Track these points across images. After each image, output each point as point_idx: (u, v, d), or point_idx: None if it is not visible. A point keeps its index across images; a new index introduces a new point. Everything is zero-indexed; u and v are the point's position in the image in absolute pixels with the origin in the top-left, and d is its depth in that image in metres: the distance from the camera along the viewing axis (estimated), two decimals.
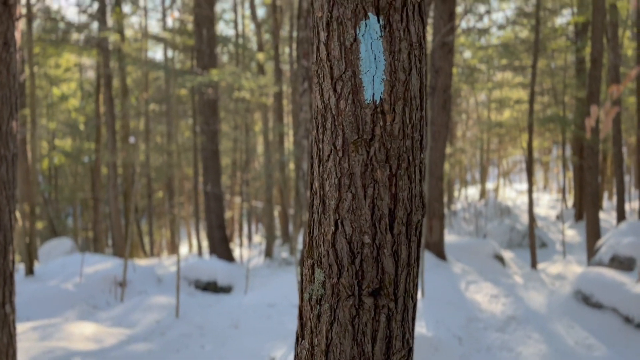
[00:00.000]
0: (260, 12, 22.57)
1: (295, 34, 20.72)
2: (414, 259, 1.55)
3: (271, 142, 18.04)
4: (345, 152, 1.46)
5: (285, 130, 18.82)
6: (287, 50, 21.52)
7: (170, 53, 21.65)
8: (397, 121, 1.45)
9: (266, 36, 20.17)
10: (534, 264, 12.42)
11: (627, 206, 21.24)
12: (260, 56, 16.91)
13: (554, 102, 21.26)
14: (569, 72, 20.86)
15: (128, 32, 22.44)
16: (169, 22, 22.72)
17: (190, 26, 17.95)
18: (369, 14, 1.41)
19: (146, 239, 25.75)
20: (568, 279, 11.00)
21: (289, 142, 21.69)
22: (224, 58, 23.23)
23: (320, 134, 1.51)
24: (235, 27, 19.93)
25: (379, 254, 1.48)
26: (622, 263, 7.20)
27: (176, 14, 10.26)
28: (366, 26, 1.42)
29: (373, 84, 1.43)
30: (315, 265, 1.55)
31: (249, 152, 19.62)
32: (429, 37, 12.80)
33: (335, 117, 1.46)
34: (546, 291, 7.85)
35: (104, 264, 10.66)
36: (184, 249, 25.42)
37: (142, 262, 15.25)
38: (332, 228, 1.50)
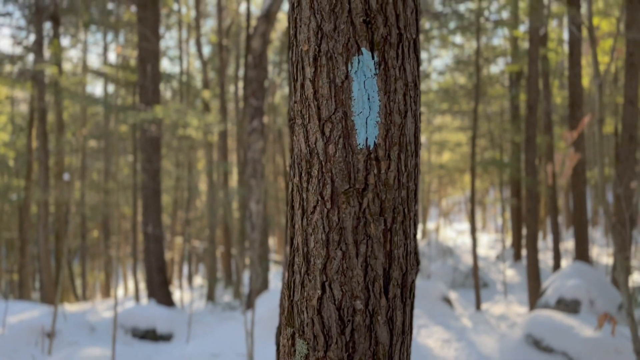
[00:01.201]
0: (206, 50, 22.44)
1: (241, 72, 20.68)
2: (408, 325, 1.37)
3: (215, 181, 17.63)
4: (335, 204, 1.28)
5: (229, 168, 18.48)
6: (232, 88, 21.40)
7: (110, 88, 21.03)
8: (393, 169, 1.29)
9: (211, 74, 20.00)
10: (478, 305, 12.51)
11: (560, 246, 22.05)
12: (206, 94, 16.68)
13: (491, 146, 22.07)
14: (504, 117, 21.83)
15: (66, 66, 21.67)
16: (111, 56, 22.18)
17: (133, 61, 17.53)
18: (363, 49, 1.26)
19: (78, 282, 24.28)
20: (512, 321, 11.10)
21: (232, 181, 21.30)
22: (167, 94, 22.81)
23: (305, 182, 1.32)
24: (180, 63, 19.66)
25: (372, 321, 1.28)
26: (567, 305, 7.30)
27: (120, 48, 9.92)
28: (359, 62, 1.26)
29: (366, 127, 1.27)
30: (297, 335, 1.33)
31: (191, 190, 19.07)
32: None
33: (323, 164, 1.28)
34: (496, 335, 7.83)
35: (30, 312, 9.81)
36: (119, 292, 24.11)
37: (73, 307, 14.24)
38: (318, 292, 1.29)
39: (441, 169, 24.91)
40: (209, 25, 23.51)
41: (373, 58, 1.26)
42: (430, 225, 34.75)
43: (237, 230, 20.74)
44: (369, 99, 1.26)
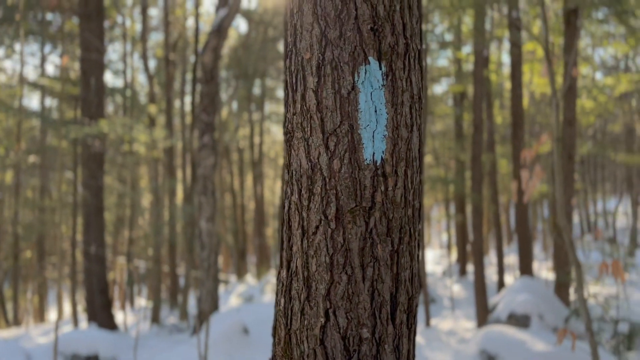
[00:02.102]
0: (152, 64, 21.93)
1: (187, 88, 20.30)
2: (412, 353, 1.28)
3: (160, 198, 17.10)
4: (340, 223, 1.18)
5: (175, 185, 17.98)
6: (178, 104, 20.96)
7: (48, 101, 20.12)
8: (400, 186, 1.21)
9: (157, 88, 19.52)
10: (428, 322, 12.62)
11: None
12: (153, 108, 16.23)
13: (436, 164, 22.60)
14: (448, 136, 22.44)
15: (0, 77, 20.59)
16: (49, 68, 21.27)
17: (74, 74, 16.86)
18: (370, 58, 1.18)
19: (9, 306, 22.82)
20: (461, 336, 11.25)
21: (178, 199, 20.75)
22: (109, 109, 22.07)
23: (305, 199, 1.22)
24: (124, 77, 19.07)
25: (379, 351, 1.19)
26: (518, 320, 7.47)
27: (63, 60, 9.47)
28: (366, 72, 1.18)
29: (373, 141, 1.18)
30: None
31: (135, 208, 18.41)
32: None
33: (327, 180, 1.19)
34: (450, 351, 7.89)
35: None
36: (53, 315, 22.84)
37: (4, 333, 13.33)
38: (322, 320, 1.19)
39: None
40: (155, 39, 23.03)
41: (380, 68, 1.19)
42: None
43: (183, 248, 20.16)
44: (376, 111, 1.18)
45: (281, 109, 25.39)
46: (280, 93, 24.71)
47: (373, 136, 1.18)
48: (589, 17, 12.24)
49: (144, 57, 16.55)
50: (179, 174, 21.37)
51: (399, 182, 1.20)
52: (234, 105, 22.64)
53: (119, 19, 19.64)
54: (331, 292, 1.18)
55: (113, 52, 26.48)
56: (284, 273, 1.27)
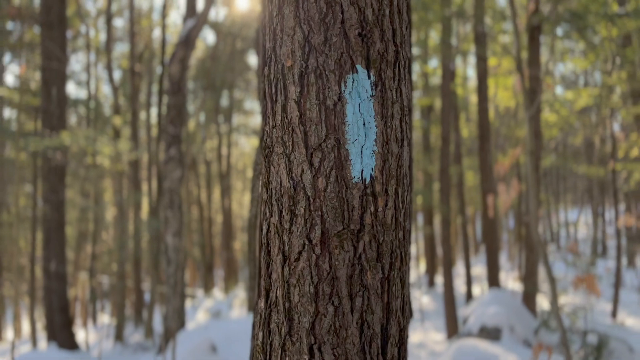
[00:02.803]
0: (117, 75, 21.47)
1: (153, 99, 19.91)
2: None
3: (126, 212, 16.64)
4: (326, 248, 1.06)
5: (140, 199, 17.54)
6: (144, 115, 20.54)
7: (7, 112, 19.45)
8: (390, 206, 1.10)
9: (122, 100, 19.09)
10: None
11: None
12: (117, 120, 15.83)
13: None
14: (416, 148, 22.61)
15: None
16: (9, 79, 20.61)
17: (34, 84, 16.34)
18: (358, 66, 1.07)
19: None
20: (431, 349, 11.22)
21: (143, 212, 20.25)
22: (72, 120, 21.48)
23: (287, 222, 1.10)
24: (88, 88, 18.59)
25: None
26: (490, 333, 7.46)
27: (21, 69, 9.11)
28: (353, 82, 1.07)
29: (362, 157, 1.08)
30: None
31: (98, 222, 17.86)
32: None
33: (312, 200, 1.07)
34: None
35: None
36: (10, 334, 21.89)
37: None
38: (305, 357, 1.06)
39: None
40: (120, 50, 22.57)
41: (369, 77, 1.08)
42: None
43: (148, 264, 19.65)
44: (364, 124, 1.08)
45: (249, 120, 25.20)
46: (248, 105, 24.53)
47: (362, 152, 1.07)
48: (552, 32, 12.55)
49: (109, 68, 16.17)
50: (145, 187, 20.88)
51: (390, 201, 1.10)
52: (202, 117, 22.33)
53: (83, 29, 19.19)
54: (316, 325, 1.06)
55: (76, 62, 25.85)
56: (262, 304, 1.15)
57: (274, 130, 1.13)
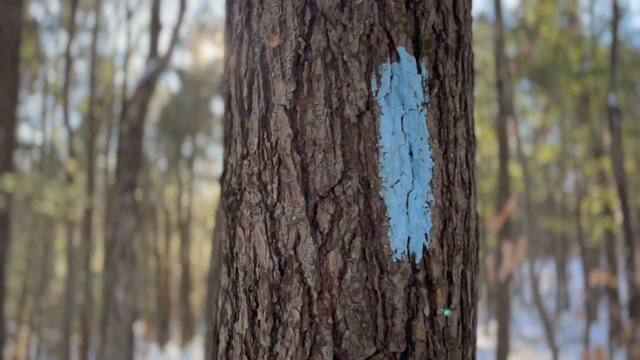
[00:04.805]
0: (75, 119, 20.74)
1: (112, 144, 19.18)
2: None
3: (75, 263, 15.59)
4: None
5: (94, 248, 16.52)
6: (102, 162, 19.74)
7: None
8: (455, 304, 0.60)
9: (79, 145, 18.30)
10: None
11: None
12: (72, 164, 15.04)
13: None
14: None
15: None
16: None
17: None
18: (400, 49, 0.60)
19: None
20: None
21: (96, 264, 19.11)
22: (26, 165, 20.45)
23: (265, 334, 0.58)
24: (44, 132, 17.75)
25: None
26: None
27: None
28: (392, 77, 0.59)
29: (408, 215, 0.58)
30: None
31: (46, 273, 16.66)
32: None
33: (316, 295, 0.56)
34: None
35: None
36: None
37: None
38: None
39: None
40: (79, 93, 21.91)
41: (419, 71, 0.60)
42: None
43: (98, 319, 18.38)
44: (411, 152, 0.59)
45: (212, 168, 24.61)
46: (212, 152, 24.00)
47: (407, 203, 0.58)
48: (516, 88, 12.73)
49: (66, 111, 15.49)
50: (99, 235, 19.81)
51: (454, 296, 0.60)
52: (162, 163, 21.66)
53: (40, 71, 18.53)
54: None
55: (34, 105, 25.02)
56: None
57: (245, 162, 0.62)
